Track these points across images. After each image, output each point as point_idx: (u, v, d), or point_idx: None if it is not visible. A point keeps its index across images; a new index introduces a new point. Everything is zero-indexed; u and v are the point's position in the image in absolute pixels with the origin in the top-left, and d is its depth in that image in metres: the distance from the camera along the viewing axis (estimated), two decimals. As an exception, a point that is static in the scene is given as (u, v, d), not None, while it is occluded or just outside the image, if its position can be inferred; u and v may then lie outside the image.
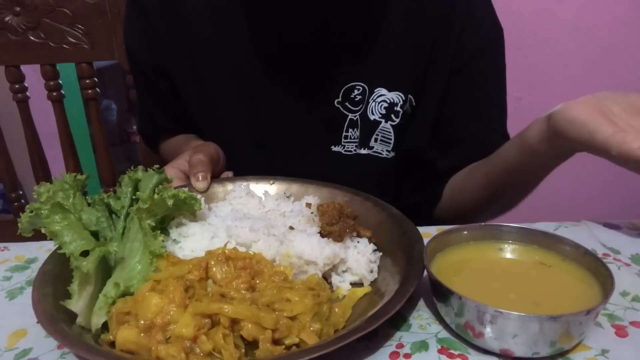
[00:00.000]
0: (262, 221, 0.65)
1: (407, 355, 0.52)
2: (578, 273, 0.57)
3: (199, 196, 0.68)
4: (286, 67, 0.88)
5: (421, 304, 0.59)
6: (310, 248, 0.59)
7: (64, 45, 1.17)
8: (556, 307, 0.51)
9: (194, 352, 0.47)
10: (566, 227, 0.76)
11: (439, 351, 0.52)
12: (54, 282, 0.56)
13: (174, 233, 0.64)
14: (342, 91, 0.88)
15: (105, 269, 0.57)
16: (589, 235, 0.74)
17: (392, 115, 0.89)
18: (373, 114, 0.89)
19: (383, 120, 0.89)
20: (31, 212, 0.57)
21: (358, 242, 0.65)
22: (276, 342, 0.49)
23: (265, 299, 0.51)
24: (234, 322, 0.49)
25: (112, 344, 0.50)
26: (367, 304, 0.57)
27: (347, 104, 0.88)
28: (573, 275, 0.56)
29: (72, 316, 0.52)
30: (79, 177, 0.64)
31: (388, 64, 0.88)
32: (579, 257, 0.57)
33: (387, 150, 0.91)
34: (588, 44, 2.04)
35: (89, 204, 0.62)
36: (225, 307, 0.48)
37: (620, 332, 0.55)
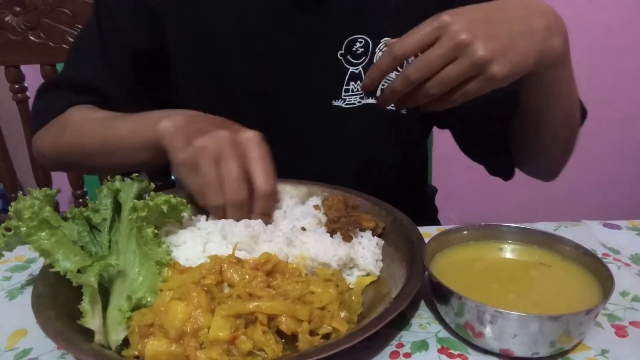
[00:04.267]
0: (260, 225, 0.63)
1: (407, 355, 0.52)
2: (578, 273, 0.57)
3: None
4: (290, 17, 0.87)
5: (421, 303, 0.60)
6: (323, 250, 0.60)
7: (64, 45, 1.17)
8: (556, 307, 0.51)
9: (231, 353, 0.48)
10: (566, 227, 0.76)
11: (439, 351, 0.52)
12: (53, 304, 0.52)
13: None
14: (345, 43, 0.87)
15: (99, 283, 0.54)
16: (589, 235, 0.74)
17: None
18: None
19: None
20: (8, 230, 0.55)
21: (362, 236, 0.65)
22: (310, 333, 0.50)
23: (296, 293, 0.52)
24: (270, 319, 0.49)
25: (136, 358, 0.49)
26: (373, 289, 0.60)
27: (349, 57, 0.88)
28: (573, 275, 0.57)
29: (85, 335, 0.50)
30: (49, 191, 0.61)
31: (394, 14, 0.87)
32: (579, 257, 0.57)
33: None
34: (588, 44, 2.04)
35: (65, 219, 0.60)
36: (263, 304, 0.49)
37: (620, 332, 0.55)
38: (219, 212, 0.65)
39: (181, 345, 0.48)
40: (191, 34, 0.88)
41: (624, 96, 2.11)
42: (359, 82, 0.88)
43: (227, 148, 0.63)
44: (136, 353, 0.49)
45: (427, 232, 0.70)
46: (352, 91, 0.89)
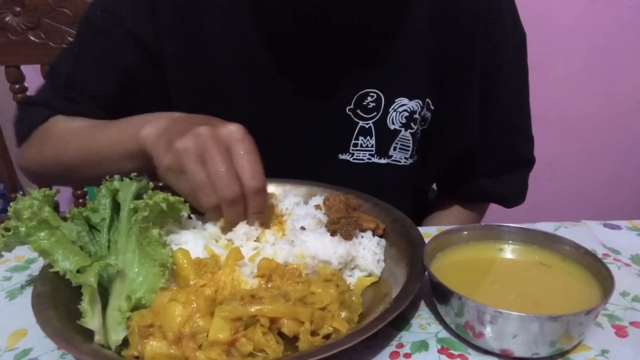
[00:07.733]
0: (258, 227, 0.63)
1: (407, 355, 0.52)
2: (578, 273, 0.57)
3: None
4: (298, 66, 0.84)
5: (421, 304, 0.60)
6: (323, 248, 0.60)
7: (64, 45, 1.16)
8: (556, 307, 0.51)
9: (231, 353, 0.48)
10: (566, 227, 0.76)
11: (439, 351, 0.52)
12: (53, 304, 0.53)
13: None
14: (355, 98, 0.84)
15: (99, 283, 0.54)
16: (589, 235, 0.74)
17: (412, 123, 0.86)
18: (393, 124, 0.85)
19: (403, 129, 0.86)
20: (7, 230, 0.55)
21: (362, 237, 0.65)
22: (312, 333, 0.50)
23: (297, 294, 0.52)
24: (272, 322, 0.49)
25: (136, 358, 0.49)
26: (373, 289, 0.61)
27: (358, 111, 0.85)
28: (573, 275, 0.57)
29: (85, 335, 0.50)
30: (48, 192, 0.61)
31: (408, 70, 0.84)
32: (579, 257, 0.57)
33: (405, 158, 0.88)
34: (588, 44, 2.04)
35: (64, 219, 0.60)
36: (265, 307, 0.49)
37: (620, 332, 0.55)
38: (216, 213, 0.63)
39: (180, 347, 0.48)
40: (193, 71, 0.85)
41: (623, 96, 2.11)
42: (368, 137, 0.86)
43: (209, 145, 0.60)
44: (136, 353, 0.49)
45: (427, 232, 0.70)
46: (362, 146, 0.86)
